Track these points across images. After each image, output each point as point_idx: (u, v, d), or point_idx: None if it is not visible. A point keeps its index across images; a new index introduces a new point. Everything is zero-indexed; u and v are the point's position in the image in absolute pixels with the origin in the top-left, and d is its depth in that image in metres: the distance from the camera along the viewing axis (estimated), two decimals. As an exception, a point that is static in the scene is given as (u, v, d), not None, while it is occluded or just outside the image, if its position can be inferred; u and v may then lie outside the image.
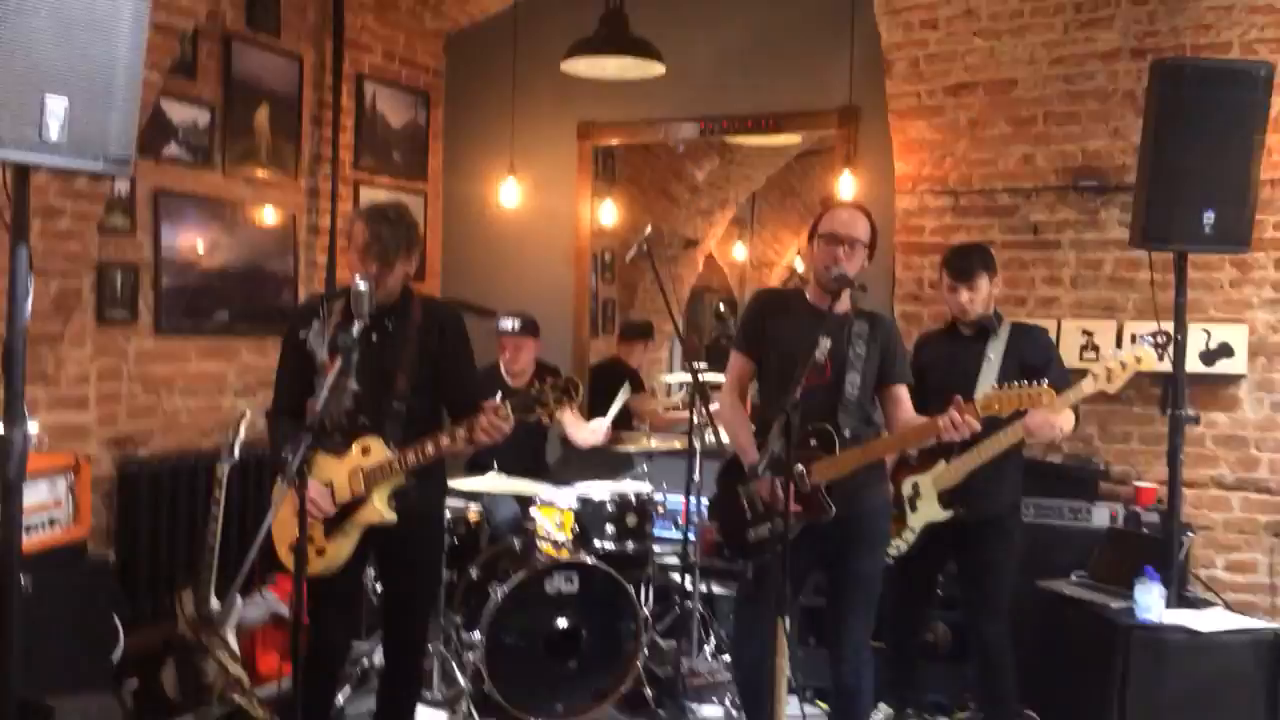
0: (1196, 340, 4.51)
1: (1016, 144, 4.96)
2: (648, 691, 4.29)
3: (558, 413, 3.15)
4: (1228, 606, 4.01)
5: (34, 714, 2.45)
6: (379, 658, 4.42)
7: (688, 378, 4.60)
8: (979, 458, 3.70)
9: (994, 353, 3.87)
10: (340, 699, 4.14)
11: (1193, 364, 4.45)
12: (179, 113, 4.65)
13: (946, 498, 3.80)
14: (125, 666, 3.79)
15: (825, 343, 3.00)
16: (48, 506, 3.48)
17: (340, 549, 3.18)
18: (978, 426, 3.16)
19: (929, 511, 3.82)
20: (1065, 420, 3.70)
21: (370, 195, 5.56)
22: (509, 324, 4.92)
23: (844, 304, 3.32)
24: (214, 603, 3.86)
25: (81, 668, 3.45)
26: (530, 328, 4.95)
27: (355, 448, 3.18)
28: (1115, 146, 4.75)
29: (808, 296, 3.41)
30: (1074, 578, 4.12)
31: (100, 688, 3.27)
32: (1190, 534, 4.39)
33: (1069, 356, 4.77)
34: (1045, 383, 3.19)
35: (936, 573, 4.11)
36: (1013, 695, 3.91)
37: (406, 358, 3.23)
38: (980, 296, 3.88)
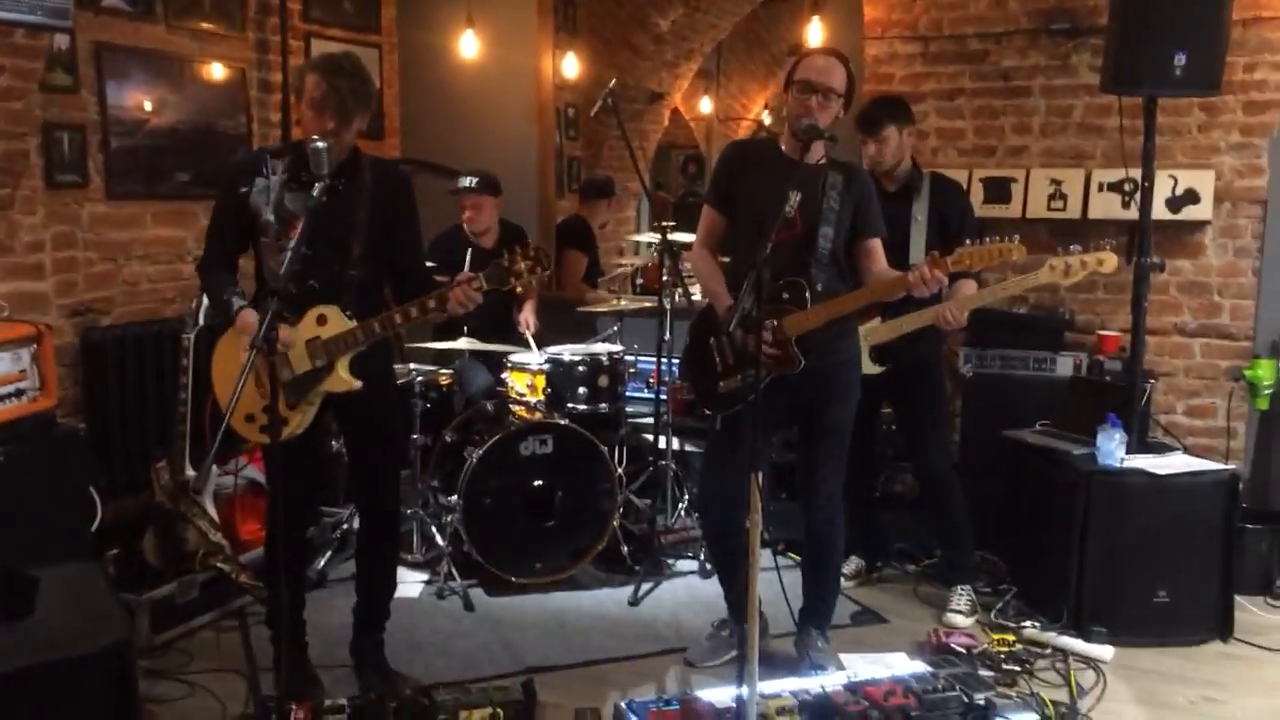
0: (1163, 187, 4.51)
1: (989, -15, 4.85)
2: (624, 549, 4.39)
3: (532, 283, 3.09)
4: (1187, 451, 4.14)
5: (18, 584, 2.45)
6: (358, 523, 4.49)
7: (656, 238, 4.55)
8: (912, 323, 3.74)
9: (920, 213, 3.91)
10: (320, 563, 4.21)
11: (1159, 211, 4.46)
12: (115, -39, 4.40)
13: (877, 354, 3.85)
14: (105, 537, 3.80)
15: (795, 197, 2.95)
16: (13, 378, 3.42)
17: (302, 418, 3.14)
18: (945, 281, 3.18)
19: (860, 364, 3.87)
20: (963, 317, 3.68)
21: (321, 48, 5.32)
22: (466, 181, 4.84)
23: (817, 155, 3.25)
24: (189, 471, 3.87)
25: (61, 539, 3.46)
26: (488, 185, 4.85)
27: (310, 316, 3.10)
28: (1087, -13, 4.64)
29: (782, 147, 3.34)
30: (1038, 427, 4.21)
31: (82, 558, 3.29)
32: (1152, 381, 4.48)
33: (1037, 207, 4.78)
34: (1018, 239, 3.18)
35: (874, 421, 4.21)
36: (967, 532, 4.05)
37: (358, 221, 3.12)
38: (888, 149, 3.88)
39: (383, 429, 3.38)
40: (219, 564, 3.76)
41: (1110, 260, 3.40)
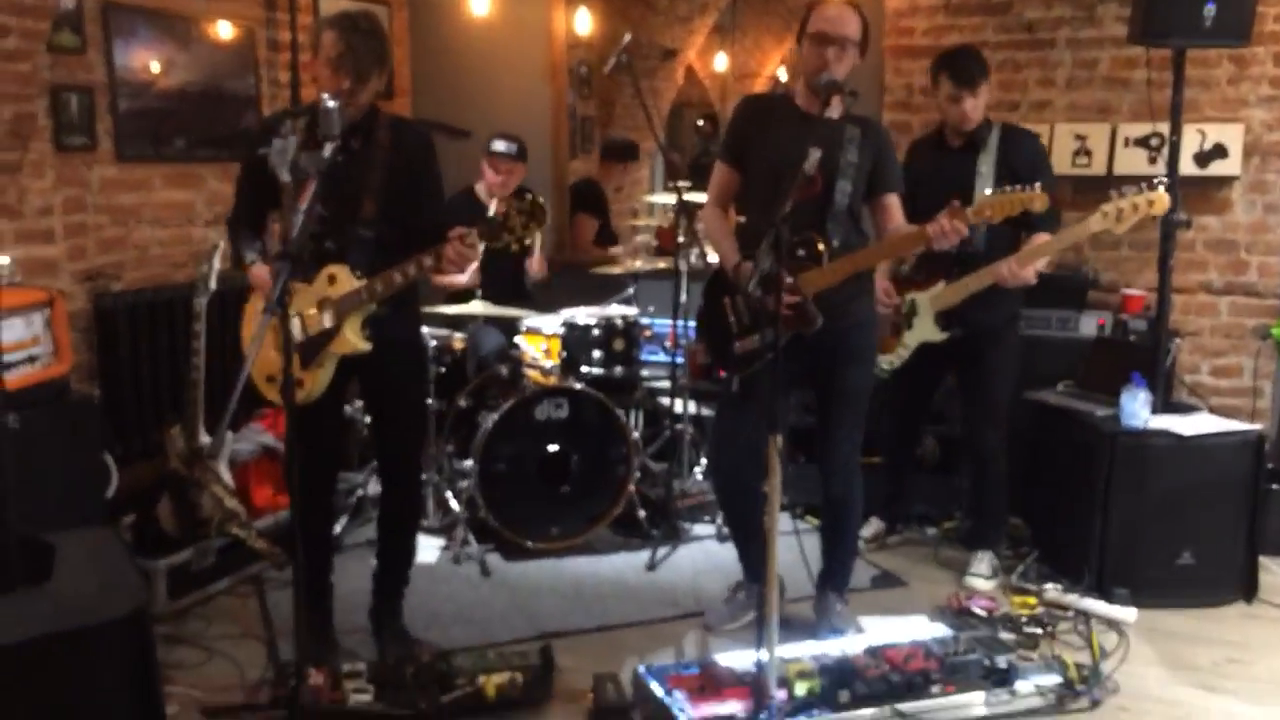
0: (1191, 141, 4.41)
1: (1013, -65, 4.73)
2: (641, 513, 4.36)
3: (527, 238, 3.03)
4: (1212, 411, 4.07)
5: (34, 551, 2.43)
6: (374, 488, 4.47)
7: (671, 198, 4.48)
8: (978, 283, 3.66)
9: (985, 166, 3.76)
10: (337, 528, 4.20)
11: (1187, 166, 4.37)
12: (119, -80, 4.33)
13: (943, 319, 3.77)
14: (120, 503, 3.80)
15: (816, 154, 2.86)
16: (26, 344, 3.39)
17: (317, 380, 3.12)
18: (965, 231, 3.04)
19: (925, 330, 3.80)
20: (1031, 273, 3.66)
21: (330, 6, 5.25)
22: (503, 146, 4.68)
23: (836, 109, 3.17)
24: (204, 437, 3.85)
25: (76, 506, 3.44)
26: (524, 153, 4.76)
27: (321, 276, 3.07)
28: (1116, -64, 4.52)
29: (797, 101, 3.25)
30: (1061, 388, 4.16)
31: (97, 524, 3.28)
32: (1177, 340, 4.41)
33: (1061, 163, 4.68)
34: (1038, 186, 3.09)
35: (933, 388, 4.13)
36: (1005, 506, 4.00)
37: (373, 181, 3.08)
38: (982, 103, 3.75)
39: (402, 396, 3.35)
40: (235, 530, 3.75)
41: (1162, 200, 3.33)
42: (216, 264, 3.92)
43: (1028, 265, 3.61)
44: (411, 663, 3.07)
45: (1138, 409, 3.70)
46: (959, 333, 3.78)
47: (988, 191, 3.62)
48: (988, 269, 3.63)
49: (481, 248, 2.99)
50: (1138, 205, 3.33)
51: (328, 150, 2.75)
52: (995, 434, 3.89)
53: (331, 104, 2.75)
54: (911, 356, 3.88)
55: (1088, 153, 4.65)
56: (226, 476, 3.87)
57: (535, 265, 4.77)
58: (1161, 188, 3.33)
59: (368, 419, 4.13)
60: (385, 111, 3.19)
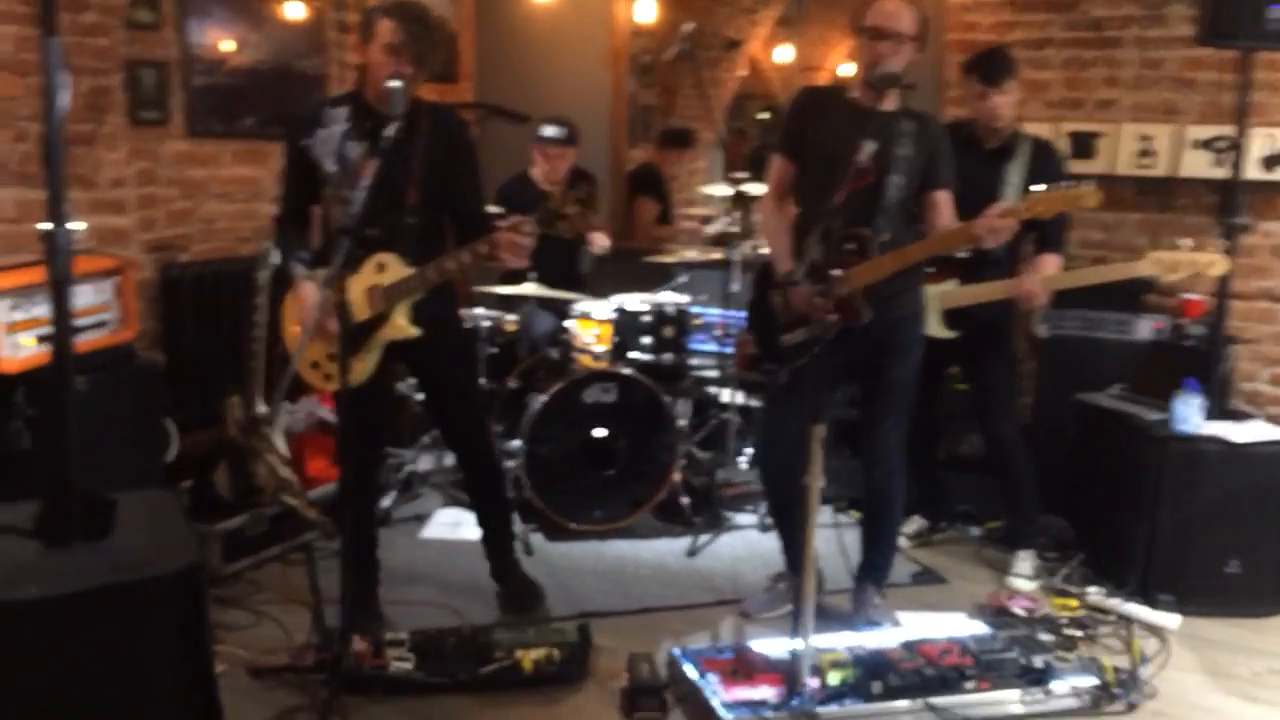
0: (1260, 145, 4.33)
1: (1081, -68, 4.67)
2: (684, 500, 4.40)
3: (582, 227, 3.07)
4: (1268, 419, 3.99)
5: (96, 505, 2.53)
6: (423, 464, 4.57)
7: (729, 190, 4.49)
8: (990, 294, 3.67)
9: (1015, 175, 3.74)
10: (385, 503, 4.29)
11: (1254, 170, 4.29)
12: (197, -98, 4.45)
13: (950, 318, 3.77)
14: (179, 468, 3.92)
15: (870, 146, 2.87)
16: (96, 310, 3.52)
17: (364, 365, 3.19)
18: (1015, 228, 3.02)
19: (931, 325, 3.78)
20: (1046, 296, 3.67)
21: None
22: (552, 131, 4.75)
23: (891, 102, 3.16)
24: (261, 407, 3.95)
25: (137, 468, 3.56)
26: (574, 137, 4.80)
27: (369, 264, 3.13)
28: (1187, -65, 4.44)
29: (852, 94, 3.25)
30: (1114, 390, 4.11)
31: (157, 487, 3.39)
32: (1234, 346, 4.33)
33: (1124, 163, 4.62)
34: (1094, 184, 3.06)
35: (937, 383, 4.13)
36: (1032, 499, 3.98)
37: (416, 169, 3.13)
38: (1011, 101, 3.75)
39: (451, 376, 3.43)
40: (288, 499, 3.85)
41: (1220, 264, 3.24)
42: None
43: (1049, 290, 3.63)
44: (453, 634, 3.15)
45: (1190, 414, 3.66)
46: (963, 332, 3.78)
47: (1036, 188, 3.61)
48: (1003, 284, 3.64)
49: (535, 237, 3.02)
50: (1196, 263, 3.24)
51: (391, 130, 2.81)
52: (1007, 423, 3.92)
53: (396, 83, 2.81)
54: None
55: (1152, 154, 4.58)
56: (282, 446, 3.98)
57: (598, 241, 4.81)
58: (1223, 250, 3.25)
59: (419, 396, 4.22)
60: (424, 100, 3.23)
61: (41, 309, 3.27)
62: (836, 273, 3.00)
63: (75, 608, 2.23)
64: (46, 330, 3.20)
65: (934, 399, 4.18)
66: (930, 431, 4.23)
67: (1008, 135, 3.80)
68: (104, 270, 3.57)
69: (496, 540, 3.60)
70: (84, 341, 3.41)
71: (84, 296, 3.43)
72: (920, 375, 3.92)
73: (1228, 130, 3.80)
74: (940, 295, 3.75)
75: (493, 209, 4.59)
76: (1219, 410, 3.83)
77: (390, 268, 3.13)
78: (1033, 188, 3.52)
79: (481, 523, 3.60)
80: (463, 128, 3.34)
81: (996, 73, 3.72)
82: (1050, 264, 3.70)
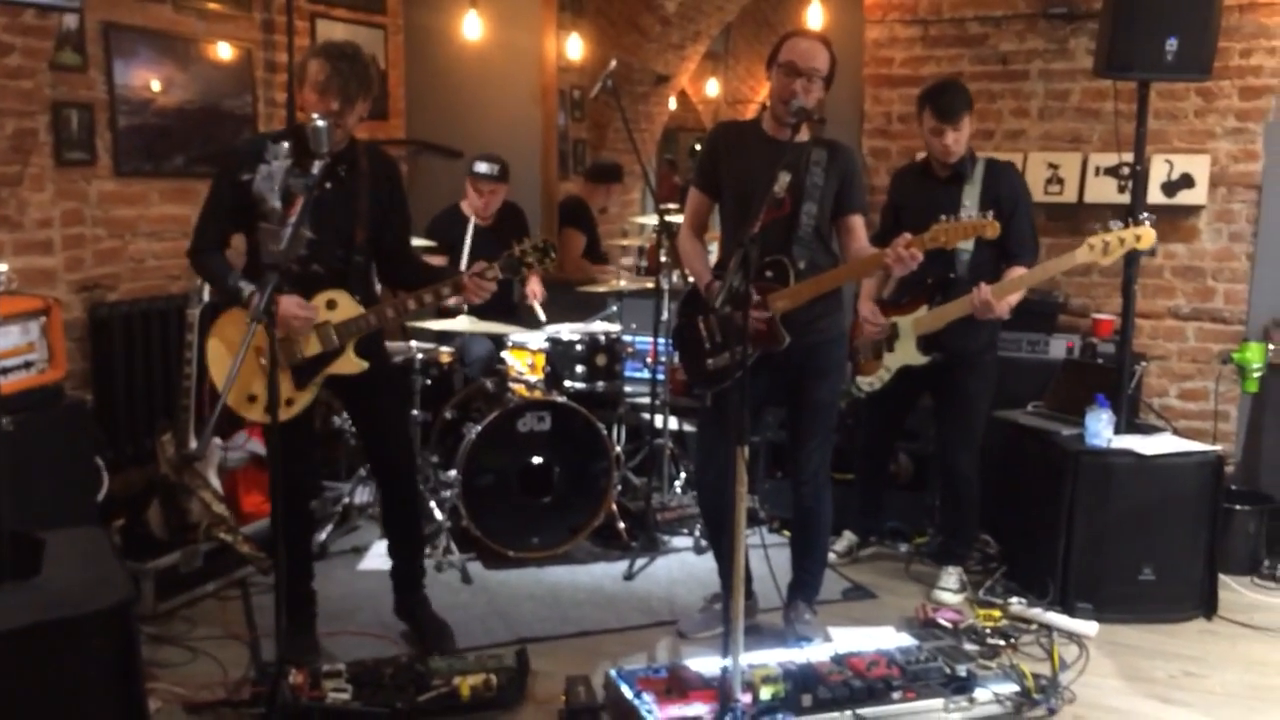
0: (1159, 171, 4.55)
1: (988, -31, 4.89)
2: (621, 525, 4.46)
3: (540, 270, 3.30)
4: (1176, 433, 4.18)
5: (24, 546, 2.53)
6: (359, 497, 4.58)
7: (655, 219, 4.60)
8: (959, 310, 3.75)
9: (969, 198, 3.83)
10: (321, 536, 4.29)
11: (1154, 195, 4.51)
12: (123, -57, 4.47)
13: (924, 344, 3.87)
14: (110, 507, 3.89)
15: (784, 177, 3.00)
16: (22, 350, 3.50)
17: (305, 399, 3.24)
18: (919, 258, 3.13)
19: (906, 354, 3.91)
20: (1005, 307, 3.75)
21: (327, 29, 5.40)
22: (484, 168, 4.87)
23: (803, 134, 3.29)
24: (193, 444, 3.94)
25: (68, 508, 3.53)
26: (505, 174, 4.92)
27: (319, 301, 3.18)
28: (1086, -28, 4.68)
29: (764, 128, 3.37)
30: (1030, 408, 4.26)
31: (87, 525, 3.36)
32: (1143, 363, 4.52)
33: (1034, 191, 4.78)
34: (990, 215, 3.23)
35: (908, 409, 4.23)
36: (975, 525, 4.11)
37: (361, 209, 3.21)
38: (964, 137, 3.82)
39: (381, 397, 3.46)
40: (222, 534, 3.84)
41: (1148, 235, 3.46)
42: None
43: (1004, 297, 3.70)
44: (390, 664, 3.16)
45: (1101, 429, 3.81)
46: (939, 357, 3.89)
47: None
48: (967, 298, 3.72)
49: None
50: (1124, 240, 3.44)
51: (316, 168, 2.87)
52: (969, 456, 3.99)
53: (321, 123, 2.87)
54: (891, 379, 4.00)
55: (1060, 181, 4.78)
56: (215, 483, 3.97)
57: (537, 292, 4.99)
58: (1148, 223, 3.44)
59: (353, 430, 4.25)
60: (359, 139, 3.31)
61: (-33, 350, 3.25)
62: (755, 299, 3.11)
63: (5, 646, 2.23)
64: (-27, 371, 3.20)
65: (898, 427, 4.29)
66: (881, 452, 4.35)
67: (957, 162, 3.88)
68: (30, 310, 3.55)
69: (407, 575, 3.60)
70: (10, 382, 3.39)
71: (8, 337, 3.42)
72: (889, 403, 4.05)
73: (1129, 157, 3.98)
74: (914, 322, 3.87)
75: (423, 242, 4.67)
76: (1129, 424, 4.00)
77: (342, 305, 3.19)
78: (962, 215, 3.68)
79: (393, 554, 3.61)
80: (395, 166, 3.44)
81: (953, 110, 3.76)
82: (1015, 275, 3.78)
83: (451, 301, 3.56)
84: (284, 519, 3.27)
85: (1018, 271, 3.77)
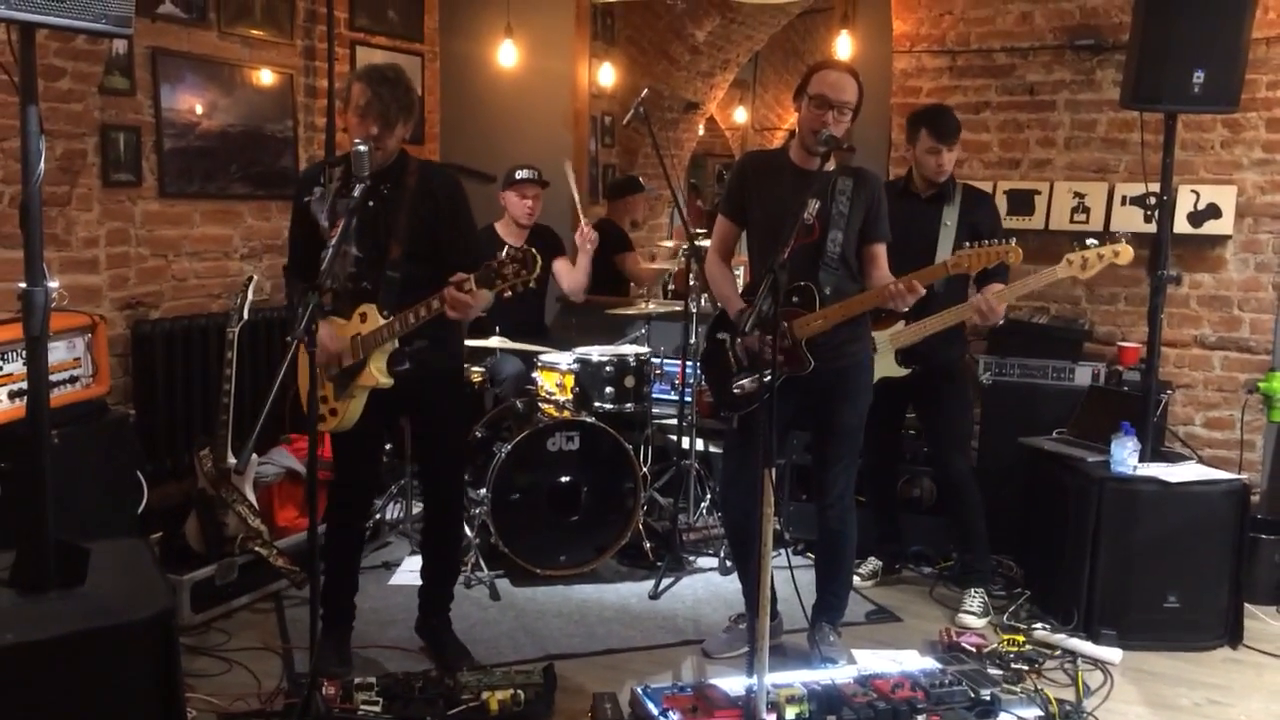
0: (1185, 201, 4.58)
1: (1015, 1, 4.95)
2: (647, 545, 4.51)
3: (519, 285, 3.11)
4: (1201, 461, 4.18)
5: (71, 556, 2.60)
6: (390, 513, 4.65)
7: (686, 244, 4.67)
8: (938, 324, 3.88)
9: (949, 219, 4.03)
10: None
11: (1181, 225, 4.53)
12: (171, -30, 4.61)
13: (903, 356, 3.98)
14: (149, 520, 3.98)
15: (814, 204, 3.07)
16: (68, 365, 3.61)
17: (351, 410, 3.31)
18: (921, 291, 3.30)
19: (885, 366, 3.99)
20: (1003, 311, 3.89)
21: (366, 56, 5.52)
22: (525, 174, 4.93)
23: (830, 163, 3.36)
24: (231, 459, 4.03)
25: (109, 520, 3.63)
26: (543, 177, 5.00)
27: (356, 314, 3.28)
28: (1112, 4, 4.74)
29: (792, 157, 3.44)
30: (1055, 435, 4.29)
31: (129, 537, 3.44)
32: (1169, 391, 4.54)
33: (1060, 219, 4.85)
34: (1014, 240, 3.31)
35: (897, 424, 4.34)
36: (983, 535, 4.14)
37: (400, 224, 3.28)
38: (954, 158, 4.04)
39: (444, 427, 3.54)
40: (257, 548, 3.93)
41: (1126, 252, 3.56)
42: (250, 295, 4.14)
43: (1003, 304, 3.84)
44: (420, 678, 3.22)
45: (1126, 456, 3.83)
46: (918, 369, 3.99)
47: (949, 245, 3.92)
48: (952, 310, 3.86)
49: (486, 293, 3.14)
50: (1102, 255, 3.59)
51: (358, 190, 2.97)
52: (962, 459, 4.13)
53: (362, 148, 2.97)
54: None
55: (1086, 210, 4.82)
56: (251, 497, 4.06)
57: (589, 232, 4.96)
58: (1124, 240, 3.57)
59: (389, 446, 4.32)
60: (414, 157, 3.40)
61: (15, 365, 3.35)
62: (782, 324, 3.17)
63: (50, 654, 2.29)
64: (20, 386, 3.29)
65: (893, 441, 4.37)
66: (887, 473, 4.42)
67: (942, 182, 4.05)
68: (76, 327, 3.66)
69: (436, 599, 3.64)
70: (57, 396, 3.48)
71: (55, 353, 3.52)
72: (879, 419, 4.10)
73: (1155, 187, 4.02)
74: (891, 336, 3.94)
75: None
76: (1154, 452, 4.01)
77: (370, 318, 3.27)
78: (953, 239, 3.90)
79: (425, 577, 3.64)
80: (452, 184, 3.44)
81: (950, 132, 4.00)
82: (1014, 285, 3.91)
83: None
84: (334, 531, 3.41)
85: (997, 288, 3.89)
